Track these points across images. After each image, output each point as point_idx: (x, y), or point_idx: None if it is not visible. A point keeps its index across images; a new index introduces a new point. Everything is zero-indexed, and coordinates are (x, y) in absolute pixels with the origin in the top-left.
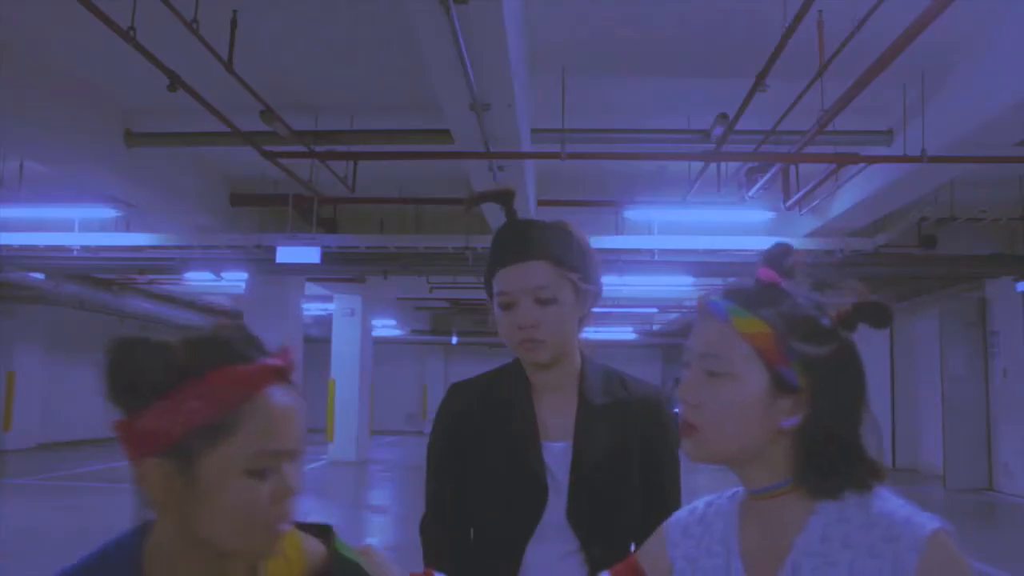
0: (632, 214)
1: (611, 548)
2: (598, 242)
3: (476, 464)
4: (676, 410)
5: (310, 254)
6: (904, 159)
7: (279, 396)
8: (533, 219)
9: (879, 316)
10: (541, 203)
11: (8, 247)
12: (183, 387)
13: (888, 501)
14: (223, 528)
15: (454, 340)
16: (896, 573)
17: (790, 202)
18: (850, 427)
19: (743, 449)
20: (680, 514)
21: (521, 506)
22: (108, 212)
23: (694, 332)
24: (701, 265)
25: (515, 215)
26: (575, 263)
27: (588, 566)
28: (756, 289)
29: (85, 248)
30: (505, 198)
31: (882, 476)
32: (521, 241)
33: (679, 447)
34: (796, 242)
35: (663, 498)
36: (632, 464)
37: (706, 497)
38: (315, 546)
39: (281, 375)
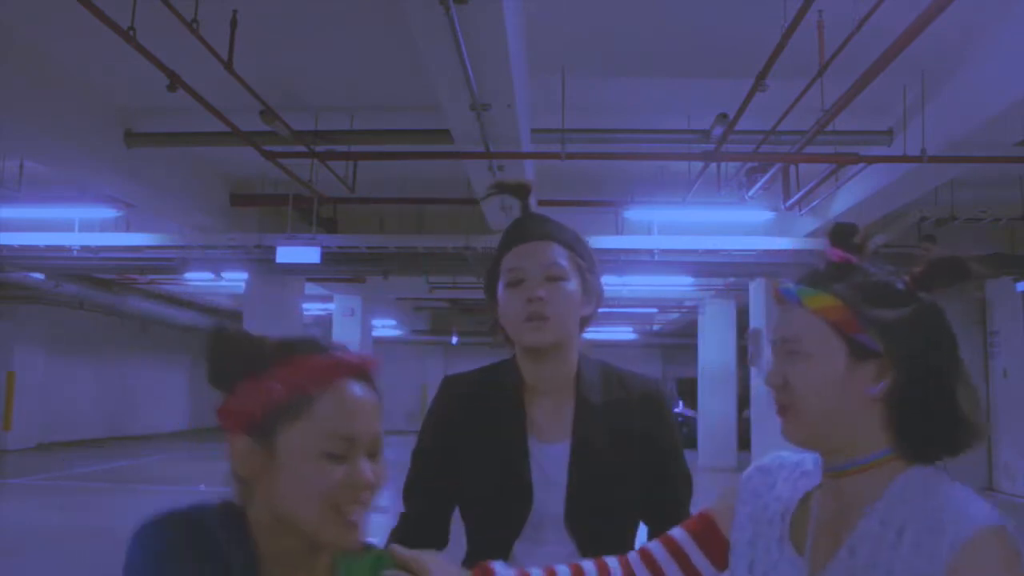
0: (632, 214)
1: (609, 550)
2: (598, 242)
3: (462, 459)
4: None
5: (310, 254)
6: (904, 159)
7: (354, 388)
8: (546, 215)
9: (955, 271)
10: (541, 203)
11: (8, 247)
12: (267, 372)
13: (948, 487)
14: (297, 504)
15: (454, 340)
16: (932, 567)
17: (790, 202)
18: (942, 389)
19: (836, 423)
20: (755, 472)
21: (506, 504)
22: (108, 212)
23: (775, 322)
24: (701, 265)
25: (529, 208)
26: (586, 256)
27: None
28: (827, 269)
29: (85, 248)
30: (522, 191)
31: (982, 435)
32: (537, 225)
33: (682, 439)
34: (795, 242)
35: (675, 492)
36: (632, 464)
37: (782, 454)
38: None
39: (359, 372)
